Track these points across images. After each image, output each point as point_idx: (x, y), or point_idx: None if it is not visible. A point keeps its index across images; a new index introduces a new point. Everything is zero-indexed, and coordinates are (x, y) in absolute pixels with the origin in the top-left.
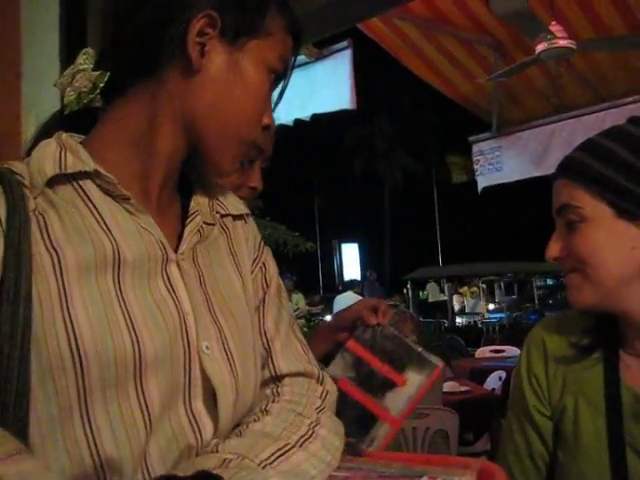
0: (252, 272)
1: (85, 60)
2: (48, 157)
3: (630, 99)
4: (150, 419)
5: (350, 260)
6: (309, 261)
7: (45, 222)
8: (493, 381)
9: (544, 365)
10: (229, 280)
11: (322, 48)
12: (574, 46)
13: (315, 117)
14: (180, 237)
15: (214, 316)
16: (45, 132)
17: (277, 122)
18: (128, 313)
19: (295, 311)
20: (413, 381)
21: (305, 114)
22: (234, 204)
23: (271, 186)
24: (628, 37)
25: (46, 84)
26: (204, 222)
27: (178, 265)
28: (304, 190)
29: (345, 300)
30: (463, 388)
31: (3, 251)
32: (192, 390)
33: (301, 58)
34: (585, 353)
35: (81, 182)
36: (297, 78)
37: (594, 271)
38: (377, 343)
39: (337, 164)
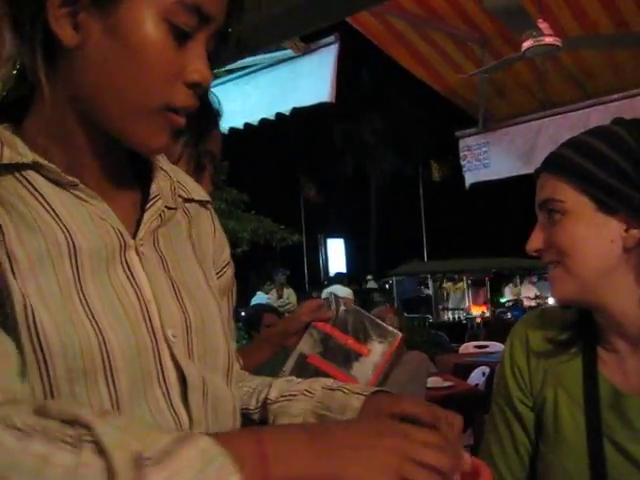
0: (223, 270)
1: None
2: None
3: (615, 96)
4: (119, 411)
5: (336, 255)
6: (294, 256)
7: None
8: (477, 376)
9: (526, 357)
10: (191, 267)
11: (310, 42)
12: (559, 44)
13: (297, 111)
14: (139, 222)
15: (180, 302)
16: None
17: (260, 116)
18: (88, 304)
19: (286, 305)
20: (376, 350)
21: (286, 108)
22: (195, 189)
23: (257, 180)
24: (613, 35)
25: None
26: (165, 206)
27: (137, 251)
28: (290, 184)
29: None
30: (447, 383)
31: None
32: (167, 380)
33: (288, 52)
34: (564, 348)
35: (23, 172)
36: (283, 72)
37: (574, 263)
38: (340, 319)
39: (324, 159)
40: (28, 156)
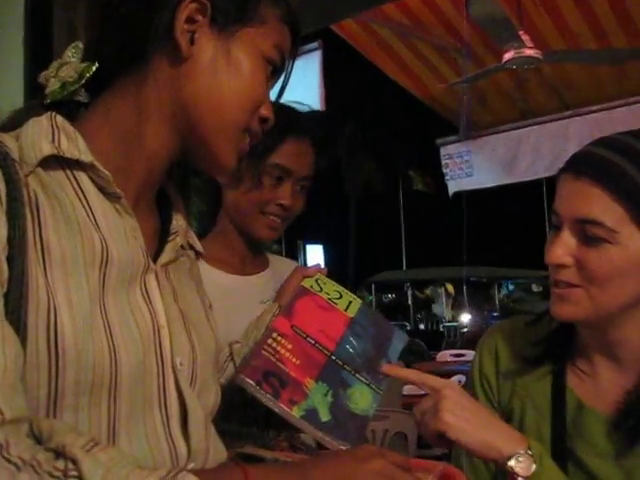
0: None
1: (73, 53)
2: (42, 134)
3: (594, 108)
4: (114, 432)
5: (314, 261)
6: None
7: (37, 204)
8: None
9: (495, 368)
10: (195, 303)
11: None
12: (540, 56)
13: None
14: (157, 250)
15: (189, 334)
16: (20, 118)
17: None
18: (107, 318)
19: None
20: None
21: None
22: (196, 240)
23: None
24: (593, 51)
25: (9, 77)
26: (181, 245)
27: (156, 276)
28: None
29: None
30: (423, 391)
31: (7, 233)
32: (169, 408)
33: None
34: (534, 366)
35: (75, 171)
36: None
37: (604, 294)
38: None
39: None
40: (88, 156)
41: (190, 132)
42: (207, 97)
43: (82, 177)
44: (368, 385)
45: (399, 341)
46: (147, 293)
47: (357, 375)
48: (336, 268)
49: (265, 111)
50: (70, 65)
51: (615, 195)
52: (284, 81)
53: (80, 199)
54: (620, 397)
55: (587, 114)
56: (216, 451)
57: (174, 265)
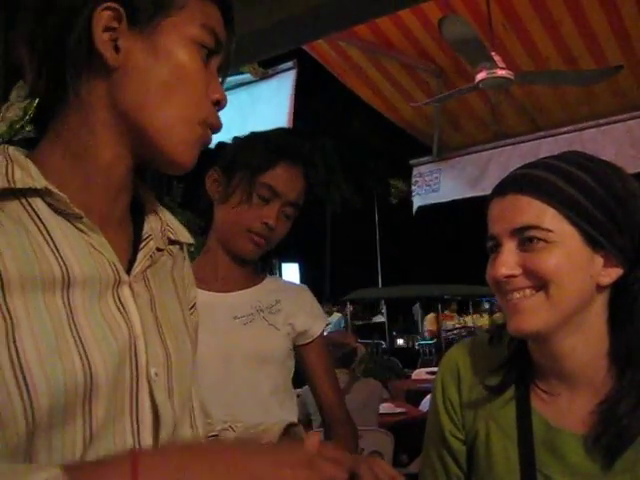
0: (190, 310)
1: (19, 93)
2: None
3: (564, 129)
4: (91, 443)
5: (291, 280)
6: None
7: None
8: (428, 403)
9: (458, 390)
10: (173, 307)
11: (268, 68)
12: (512, 77)
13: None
14: (131, 259)
15: (164, 342)
16: None
17: (217, 139)
18: (78, 334)
19: None
20: None
21: (244, 132)
22: (182, 231)
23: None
24: (563, 72)
25: None
26: (156, 248)
27: (130, 287)
28: None
29: None
30: (399, 410)
31: None
32: (141, 419)
33: (246, 76)
34: (497, 392)
35: (30, 199)
36: (241, 96)
37: (557, 290)
38: None
39: None
40: (41, 182)
41: (139, 136)
42: (146, 99)
43: (38, 204)
44: None
45: None
46: (122, 304)
47: None
48: (312, 286)
49: (215, 94)
50: (15, 105)
51: (543, 199)
52: (227, 60)
53: (38, 227)
54: (586, 415)
55: (558, 135)
56: None
57: (153, 269)
